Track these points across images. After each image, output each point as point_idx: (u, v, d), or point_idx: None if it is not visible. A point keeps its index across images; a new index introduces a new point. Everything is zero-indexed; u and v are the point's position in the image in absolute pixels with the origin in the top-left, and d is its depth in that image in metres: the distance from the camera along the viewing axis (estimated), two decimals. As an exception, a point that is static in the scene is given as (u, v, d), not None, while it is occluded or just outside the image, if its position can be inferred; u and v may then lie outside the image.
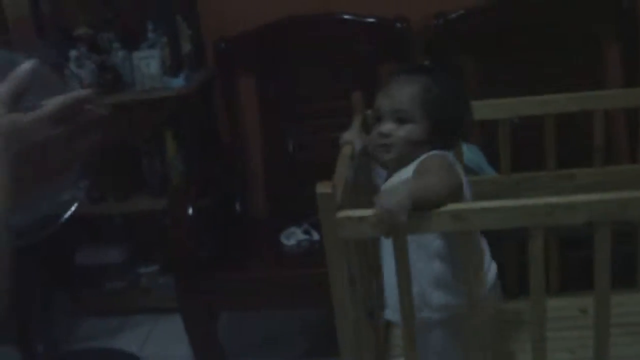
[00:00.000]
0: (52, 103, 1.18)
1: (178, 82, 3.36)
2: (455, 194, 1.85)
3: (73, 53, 3.41)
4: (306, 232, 3.18)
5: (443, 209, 1.77)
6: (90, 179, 3.54)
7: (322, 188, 1.78)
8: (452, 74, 2.17)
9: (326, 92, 3.43)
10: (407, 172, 1.99)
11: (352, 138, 2.23)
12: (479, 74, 3.36)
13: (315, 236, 3.13)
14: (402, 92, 2.05)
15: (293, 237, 3.18)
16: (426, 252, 2.02)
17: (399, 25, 3.36)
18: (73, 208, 1.32)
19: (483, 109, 2.55)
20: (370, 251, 2.24)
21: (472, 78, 3.34)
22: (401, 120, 2.04)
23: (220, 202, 3.46)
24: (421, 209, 1.76)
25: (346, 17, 3.45)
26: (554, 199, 1.76)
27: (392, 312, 2.15)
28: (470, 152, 2.87)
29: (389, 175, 2.11)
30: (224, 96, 3.59)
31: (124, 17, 3.59)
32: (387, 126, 2.05)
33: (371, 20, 3.42)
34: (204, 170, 3.48)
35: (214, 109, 3.65)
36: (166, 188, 3.48)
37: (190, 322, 3.07)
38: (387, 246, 2.02)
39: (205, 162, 3.53)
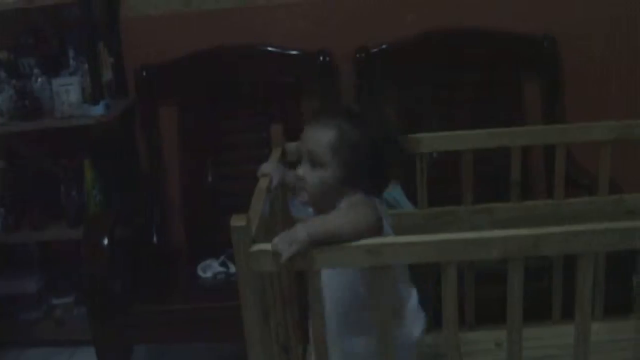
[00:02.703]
0: None
1: (98, 110, 3.31)
2: (371, 232, 1.84)
3: (-8, 78, 3.34)
4: (223, 265, 3.15)
5: (356, 243, 1.75)
6: (6, 207, 3.48)
7: (237, 221, 1.76)
8: (382, 116, 2.13)
9: (247, 124, 3.42)
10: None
11: (269, 170, 2.21)
12: (399, 108, 3.38)
13: (232, 269, 3.10)
14: (317, 136, 2.02)
15: (209, 269, 3.15)
16: (347, 280, 2.01)
17: (321, 58, 3.37)
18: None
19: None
20: (287, 284, 2.22)
21: (393, 111, 3.36)
22: (314, 164, 2.01)
23: (137, 233, 3.41)
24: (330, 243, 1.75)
25: (270, 49, 3.45)
26: (468, 234, 1.76)
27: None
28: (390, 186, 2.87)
29: (315, 214, 2.09)
30: (145, 125, 3.56)
31: (45, 43, 3.54)
32: (302, 168, 2.03)
33: (294, 53, 3.42)
34: (122, 200, 3.43)
35: (135, 138, 3.60)
36: (83, 217, 3.41)
37: (104, 356, 3.00)
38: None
39: (124, 191, 3.47)
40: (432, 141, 2.58)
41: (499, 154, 2.64)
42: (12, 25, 3.53)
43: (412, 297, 2.12)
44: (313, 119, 2.08)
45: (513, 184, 2.62)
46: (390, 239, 1.83)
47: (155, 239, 3.52)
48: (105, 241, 2.98)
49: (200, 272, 3.15)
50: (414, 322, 2.11)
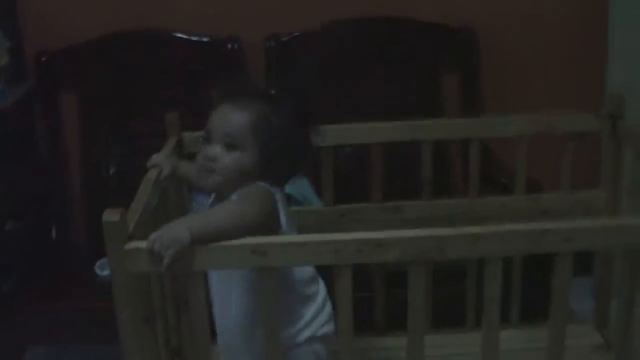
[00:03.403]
0: None
1: (-7, 97, 3.12)
2: (262, 228, 1.69)
3: None
4: (121, 262, 2.97)
5: (240, 241, 1.61)
6: None
7: (110, 216, 1.60)
8: (299, 103, 1.99)
9: (151, 114, 3.24)
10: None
11: (160, 161, 2.08)
12: (310, 98, 3.24)
13: (131, 267, 2.91)
14: (236, 117, 1.87)
15: (107, 267, 2.96)
16: (238, 285, 1.88)
17: (230, 45, 3.22)
18: None
19: (307, 135, 2.43)
20: (178, 284, 2.06)
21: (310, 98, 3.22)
22: (229, 146, 1.85)
23: (34, 226, 3.22)
24: (216, 240, 1.59)
25: (177, 35, 3.28)
26: (363, 234, 1.62)
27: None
28: (297, 181, 2.73)
29: (215, 202, 1.95)
30: (44, 114, 3.37)
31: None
32: (214, 150, 1.86)
33: (202, 39, 3.27)
34: (17, 192, 3.22)
35: (34, 126, 3.40)
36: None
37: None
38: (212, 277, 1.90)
39: (21, 182, 3.27)
40: (338, 133, 2.43)
41: (415, 148, 2.51)
42: None
43: (318, 294, 1.97)
44: (227, 99, 1.92)
45: (424, 181, 2.49)
46: (277, 238, 1.69)
47: (54, 233, 3.32)
48: (-4, 233, 2.80)
49: (97, 270, 2.97)
50: (317, 320, 1.96)
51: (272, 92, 2.01)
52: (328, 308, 1.98)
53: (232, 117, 1.87)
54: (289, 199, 2.58)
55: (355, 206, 2.51)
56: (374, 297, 2.59)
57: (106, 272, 2.93)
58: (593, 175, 2.56)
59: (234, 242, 1.61)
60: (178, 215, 2.10)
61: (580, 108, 2.52)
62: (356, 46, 3.27)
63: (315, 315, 1.96)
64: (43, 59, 3.31)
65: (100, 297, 2.86)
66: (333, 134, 2.39)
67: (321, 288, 1.99)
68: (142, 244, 1.61)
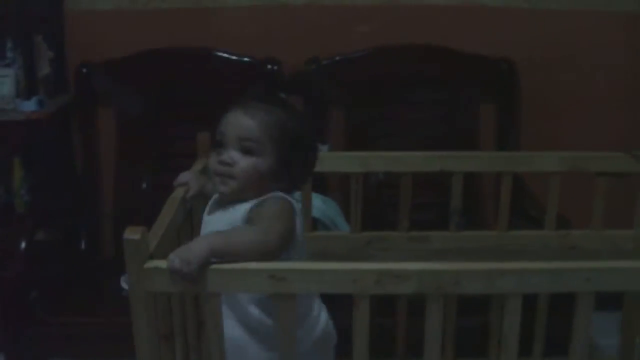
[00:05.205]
0: None
1: (30, 106, 3.14)
2: (276, 252, 1.69)
3: None
4: (147, 277, 2.97)
5: (259, 265, 1.60)
6: None
7: (131, 234, 1.60)
8: (302, 113, 1.98)
9: (187, 131, 3.25)
10: (241, 208, 1.82)
11: (187, 179, 2.08)
12: (347, 124, 3.25)
13: (157, 282, 2.91)
14: (252, 122, 1.83)
15: (125, 284, 2.97)
16: (242, 297, 1.85)
17: (270, 67, 3.23)
18: None
19: (338, 160, 2.42)
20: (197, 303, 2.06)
21: (339, 127, 3.24)
22: (246, 151, 1.83)
23: (65, 238, 3.23)
24: (232, 260, 1.61)
25: (218, 54, 3.30)
26: (382, 266, 1.60)
27: None
28: (325, 205, 2.73)
29: (215, 209, 1.94)
30: (81, 125, 3.40)
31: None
32: (230, 154, 1.83)
33: (242, 59, 3.29)
34: (51, 203, 3.25)
35: (71, 137, 3.43)
36: (8, 218, 3.24)
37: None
38: None
39: (54, 193, 3.30)
40: (369, 160, 2.42)
41: (446, 178, 2.50)
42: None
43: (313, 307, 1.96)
44: (241, 105, 1.87)
45: (453, 212, 2.48)
46: (296, 264, 1.67)
47: (83, 245, 3.34)
48: (23, 245, 2.81)
49: (123, 284, 2.97)
50: (317, 322, 1.96)
51: (284, 97, 1.99)
52: (323, 316, 1.97)
53: (248, 122, 1.83)
54: (317, 223, 2.59)
55: (382, 234, 2.50)
56: (395, 323, 2.57)
57: (126, 291, 2.94)
58: (628, 215, 2.53)
59: (253, 265, 1.60)
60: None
61: (619, 147, 2.50)
62: (395, 73, 3.28)
63: (311, 328, 1.94)
64: (84, 71, 3.34)
65: (123, 311, 2.91)
66: (363, 161, 2.39)
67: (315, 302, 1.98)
68: (162, 263, 1.60)
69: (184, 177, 2.10)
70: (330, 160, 2.41)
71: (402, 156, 2.43)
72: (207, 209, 1.97)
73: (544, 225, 2.54)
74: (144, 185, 3.35)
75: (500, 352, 1.73)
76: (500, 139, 3.28)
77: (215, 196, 1.96)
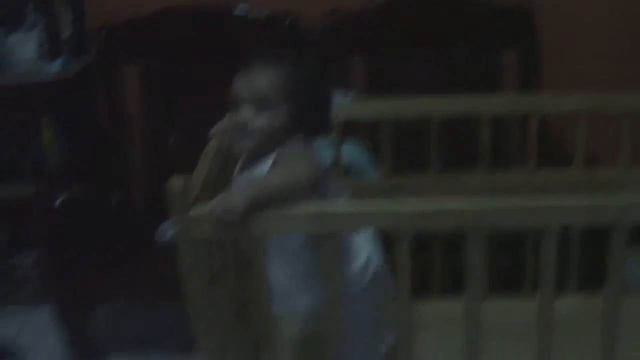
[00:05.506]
0: None
1: (55, 67, 3.20)
2: (312, 186, 1.73)
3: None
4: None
5: (301, 210, 1.64)
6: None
7: (175, 183, 1.64)
8: (314, 64, 2.01)
9: (211, 86, 3.28)
10: (264, 165, 1.87)
11: (221, 131, 2.10)
12: (369, 74, 3.27)
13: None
14: (263, 77, 1.88)
15: (170, 230, 3.01)
16: (286, 252, 1.90)
17: (288, 21, 3.25)
18: None
19: (365, 107, 2.45)
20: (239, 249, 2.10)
21: (361, 77, 3.26)
22: (260, 107, 1.87)
23: (96, 193, 3.28)
24: (272, 205, 1.65)
25: (237, 10, 3.31)
26: (423, 204, 1.65)
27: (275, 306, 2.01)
28: (355, 151, 2.77)
29: (244, 168, 1.98)
30: (105, 84, 3.42)
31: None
32: (247, 112, 1.88)
33: (261, 14, 3.30)
34: (80, 159, 3.30)
35: (96, 96, 3.46)
36: (41, 174, 3.31)
37: (60, 317, 2.91)
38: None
39: (83, 150, 3.34)
40: (398, 107, 2.45)
41: (474, 122, 2.53)
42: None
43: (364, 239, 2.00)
44: (252, 63, 1.92)
45: (482, 156, 2.51)
46: (336, 205, 1.71)
47: (114, 199, 3.39)
48: (60, 200, 2.86)
49: (158, 235, 3.02)
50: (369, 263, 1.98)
51: (289, 52, 2.02)
52: (375, 261, 2.00)
53: (259, 77, 1.88)
54: (347, 169, 2.62)
55: (412, 178, 2.54)
56: (432, 259, 2.60)
57: (166, 239, 2.99)
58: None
59: (294, 209, 1.64)
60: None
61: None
62: (415, 24, 3.27)
63: (358, 271, 1.97)
64: (105, 31, 3.35)
65: (161, 260, 2.96)
66: (393, 107, 2.42)
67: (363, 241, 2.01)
68: (206, 212, 1.64)
69: (217, 129, 2.13)
70: (358, 107, 2.44)
71: (431, 101, 2.46)
72: (237, 168, 2.02)
73: (572, 165, 2.56)
74: (171, 140, 3.39)
75: (534, 288, 1.76)
76: (523, 85, 3.28)
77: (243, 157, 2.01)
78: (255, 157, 1.92)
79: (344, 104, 2.59)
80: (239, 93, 1.91)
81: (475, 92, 2.63)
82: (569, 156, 2.60)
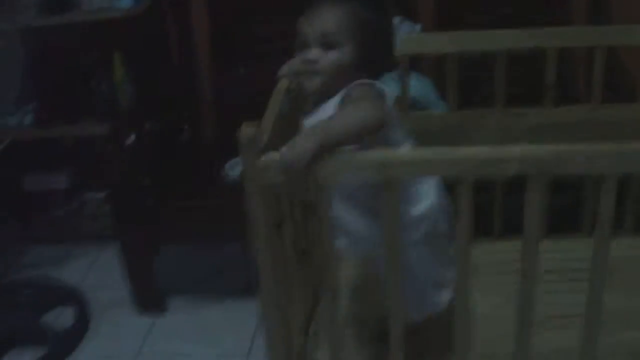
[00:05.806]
0: None
1: (125, 3, 3.24)
2: (379, 127, 1.75)
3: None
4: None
5: (366, 157, 1.68)
6: (36, 102, 3.44)
7: (245, 131, 1.69)
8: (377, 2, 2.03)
9: (282, 20, 3.30)
10: (331, 104, 1.88)
11: (290, 71, 2.12)
12: (437, 5, 3.26)
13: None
14: (327, 16, 1.89)
15: (238, 167, 3.07)
16: (349, 194, 1.93)
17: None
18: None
19: (432, 42, 2.48)
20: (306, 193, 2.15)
21: (429, 8, 3.26)
22: (327, 46, 1.89)
23: (168, 128, 3.36)
24: (340, 146, 1.69)
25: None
26: (483, 151, 1.66)
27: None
28: (421, 85, 2.78)
29: (312, 108, 1.99)
30: (175, 19, 3.47)
31: None
32: (314, 52, 1.90)
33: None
34: (152, 95, 3.36)
35: (166, 31, 3.51)
36: (114, 112, 3.36)
37: (127, 253, 3.01)
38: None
39: (154, 85, 3.41)
40: (462, 39, 2.46)
41: (539, 56, 2.52)
42: None
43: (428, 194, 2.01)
44: (315, 4, 1.93)
45: (547, 88, 2.51)
46: (398, 153, 1.74)
47: (185, 135, 3.46)
48: (133, 136, 2.93)
49: (227, 170, 3.09)
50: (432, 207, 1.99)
51: None
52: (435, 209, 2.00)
53: (325, 17, 1.89)
54: (413, 102, 2.64)
55: (477, 112, 2.55)
56: (492, 200, 2.62)
57: (236, 173, 3.05)
58: None
59: (359, 155, 1.68)
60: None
61: None
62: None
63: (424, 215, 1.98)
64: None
65: (227, 196, 3.03)
66: (457, 40, 2.43)
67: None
68: (275, 159, 1.69)
69: (286, 68, 2.14)
70: (424, 40, 2.46)
71: (496, 34, 2.45)
72: (306, 109, 2.04)
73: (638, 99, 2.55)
74: (241, 71, 3.42)
75: (594, 229, 1.78)
76: (592, 18, 3.24)
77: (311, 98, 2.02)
78: (324, 96, 1.94)
79: (410, 38, 2.61)
80: (305, 33, 1.92)
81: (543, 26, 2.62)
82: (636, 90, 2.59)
